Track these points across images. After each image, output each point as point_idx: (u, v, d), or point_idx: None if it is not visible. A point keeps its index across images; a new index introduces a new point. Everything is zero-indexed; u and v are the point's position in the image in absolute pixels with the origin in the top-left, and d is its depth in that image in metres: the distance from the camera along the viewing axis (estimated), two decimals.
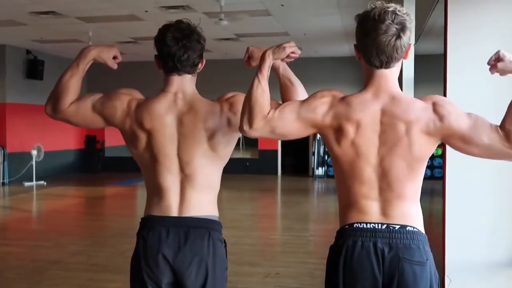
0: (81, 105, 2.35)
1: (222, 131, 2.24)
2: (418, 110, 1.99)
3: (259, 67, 2.11)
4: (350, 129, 2.00)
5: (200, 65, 2.33)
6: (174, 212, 2.22)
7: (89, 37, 11.70)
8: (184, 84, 2.29)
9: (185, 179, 2.23)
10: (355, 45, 2.08)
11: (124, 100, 2.29)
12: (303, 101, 2.09)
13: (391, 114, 1.99)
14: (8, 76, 13.74)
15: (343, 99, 2.05)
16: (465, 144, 2.01)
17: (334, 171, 2.14)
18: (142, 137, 2.25)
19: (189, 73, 2.29)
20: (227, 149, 2.29)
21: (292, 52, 2.17)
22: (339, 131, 2.02)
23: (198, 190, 2.24)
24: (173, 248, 2.18)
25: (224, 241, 2.30)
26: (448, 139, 2.02)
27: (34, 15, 10.03)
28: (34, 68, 14.13)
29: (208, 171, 2.25)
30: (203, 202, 2.25)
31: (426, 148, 2.01)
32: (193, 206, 2.22)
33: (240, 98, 2.24)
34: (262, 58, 2.12)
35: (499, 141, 1.99)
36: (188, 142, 2.22)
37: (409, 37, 2.01)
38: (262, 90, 2.05)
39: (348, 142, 2.01)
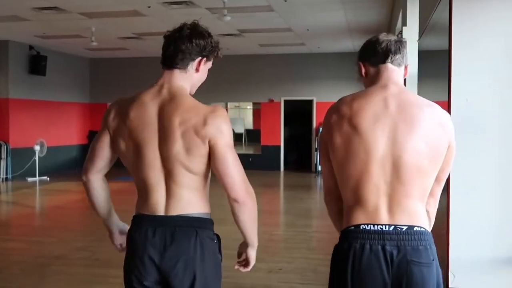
0: (105, 162, 2.43)
1: (189, 137, 2.14)
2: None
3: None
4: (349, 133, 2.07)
5: (193, 63, 2.25)
6: (161, 210, 2.19)
7: (91, 33, 11.69)
8: (172, 78, 2.24)
9: (168, 175, 2.17)
10: (359, 62, 2.25)
11: (110, 114, 2.29)
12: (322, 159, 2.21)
13: (400, 108, 2.05)
14: (11, 72, 13.74)
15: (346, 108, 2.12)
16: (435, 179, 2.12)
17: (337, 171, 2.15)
18: (124, 129, 2.20)
19: (177, 67, 2.24)
20: (197, 158, 2.15)
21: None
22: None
23: (182, 187, 2.17)
24: (159, 248, 2.16)
25: (217, 236, 2.27)
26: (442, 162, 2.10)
27: (36, 10, 10.03)
28: (37, 63, 14.13)
29: (186, 169, 2.16)
30: (190, 200, 2.19)
31: (442, 142, 2.06)
32: (180, 204, 2.18)
33: (219, 124, 2.15)
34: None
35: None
36: (166, 135, 2.15)
37: (406, 56, 2.21)
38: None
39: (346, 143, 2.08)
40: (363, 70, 2.24)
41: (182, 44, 2.22)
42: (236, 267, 2.39)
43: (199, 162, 2.15)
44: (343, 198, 2.13)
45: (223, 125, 2.15)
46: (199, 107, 2.17)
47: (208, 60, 2.30)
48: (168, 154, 2.14)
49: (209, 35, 2.29)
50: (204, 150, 2.14)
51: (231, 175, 2.14)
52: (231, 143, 2.18)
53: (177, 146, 2.13)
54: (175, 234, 2.15)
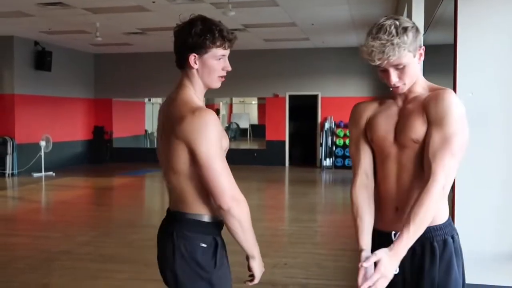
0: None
1: (168, 135, 2.09)
2: None
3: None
4: None
5: (186, 61, 2.12)
6: (170, 207, 2.25)
7: (96, 28, 11.69)
8: (181, 78, 2.19)
9: (169, 174, 2.14)
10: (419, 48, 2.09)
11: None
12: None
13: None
14: (16, 68, 13.77)
15: None
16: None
17: None
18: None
19: (181, 68, 2.17)
20: (177, 158, 2.07)
21: None
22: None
23: (177, 187, 2.13)
24: (158, 243, 2.24)
25: (214, 240, 2.14)
26: None
27: (41, 6, 10.03)
28: (42, 59, 14.15)
29: (172, 170, 2.11)
30: (186, 198, 2.12)
31: None
32: (177, 201, 2.17)
33: (196, 131, 2.01)
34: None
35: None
36: (161, 134, 2.20)
37: None
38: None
39: None
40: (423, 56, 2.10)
41: (177, 43, 2.14)
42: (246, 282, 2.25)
43: (181, 163, 2.06)
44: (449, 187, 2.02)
45: (200, 130, 1.98)
46: (185, 106, 2.06)
47: (203, 53, 2.10)
48: (165, 155, 2.15)
49: (195, 27, 2.07)
50: (182, 152, 2.03)
51: (216, 181, 2.00)
52: (215, 150, 2.00)
53: (163, 145, 2.15)
54: (163, 231, 2.22)
